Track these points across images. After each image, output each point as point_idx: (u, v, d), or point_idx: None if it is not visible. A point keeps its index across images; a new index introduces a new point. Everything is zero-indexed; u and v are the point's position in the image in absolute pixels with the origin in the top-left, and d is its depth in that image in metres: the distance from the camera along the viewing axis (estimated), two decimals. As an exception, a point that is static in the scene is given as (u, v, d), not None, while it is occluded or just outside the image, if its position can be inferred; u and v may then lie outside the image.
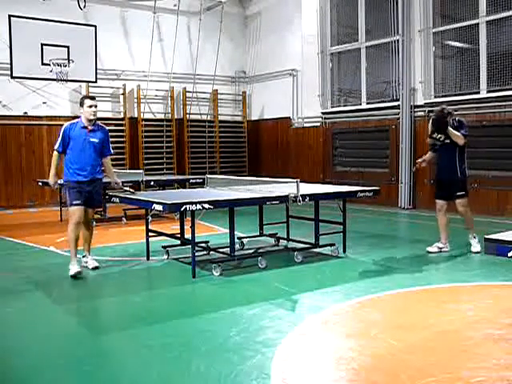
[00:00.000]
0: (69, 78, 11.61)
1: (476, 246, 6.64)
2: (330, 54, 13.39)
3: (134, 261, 6.46)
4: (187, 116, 14.27)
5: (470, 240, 6.75)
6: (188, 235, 5.83)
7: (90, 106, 5.83)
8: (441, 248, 6.71)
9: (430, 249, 6.71)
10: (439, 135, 6.46)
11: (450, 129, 6.45)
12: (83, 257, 6.10)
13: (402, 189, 11.41)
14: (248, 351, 3.55)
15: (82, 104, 5.91)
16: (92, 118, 5.85)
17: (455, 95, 10.66)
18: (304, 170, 13.53)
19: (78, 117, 6.01)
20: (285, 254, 6.68)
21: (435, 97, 11.01)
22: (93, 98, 5.98)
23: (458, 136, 6.43)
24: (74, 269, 5.62)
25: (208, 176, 7.31)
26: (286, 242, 7.25)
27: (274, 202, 5.84)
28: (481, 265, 6.02)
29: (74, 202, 5.74)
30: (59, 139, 5.83)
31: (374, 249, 6.71)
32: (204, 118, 14.72)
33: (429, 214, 9.79)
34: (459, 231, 7.03)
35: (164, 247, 6.63)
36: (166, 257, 6.55)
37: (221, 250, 6.27)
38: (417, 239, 6.63)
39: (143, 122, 13.66)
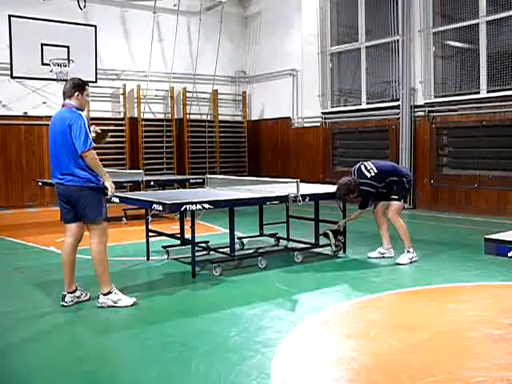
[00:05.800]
0: (69, 78, 11.59)
1: (404, 258, 6.15)
2: (329, 54, 13.39)
3: (133, 261, 6.47)
4: (187, 116, 14.26)
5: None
6: (188, 235, 5.83)
7: (88, 94, 4.82)
8: (383, 253, 6.38)
9: (371, 254, 6.43)
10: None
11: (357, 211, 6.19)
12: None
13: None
14: (248, 351, 3.55)
15: (81, 89, 4.74)
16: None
17: (455, 95, 10.67)
18: (304, 170, 13.52)
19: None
20: (285, 254, 6.68)
21: (435, 97, 11.01)
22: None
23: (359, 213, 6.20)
24: (128, 299, 4.63)
25: (208, 176, 7.31)
26: (286, 241, 7.25)
27: (274, 202, 5.84)
28: (481, 265, 6.01)
29: (107, 216, 4.62)
30: (86, 133, 4.39)
31: (374, 249, 6.69)
32: (204, 117, 14.72)
33: (429, 214, 9.79)
34: (458, 232, 7.04)
35: (164, 247, 6.63)
36: (166, 257, 6.55)
37: (221, 249, 6.27)
38: (417, 239, 6.61)
39: (143, 122, 13.66)
